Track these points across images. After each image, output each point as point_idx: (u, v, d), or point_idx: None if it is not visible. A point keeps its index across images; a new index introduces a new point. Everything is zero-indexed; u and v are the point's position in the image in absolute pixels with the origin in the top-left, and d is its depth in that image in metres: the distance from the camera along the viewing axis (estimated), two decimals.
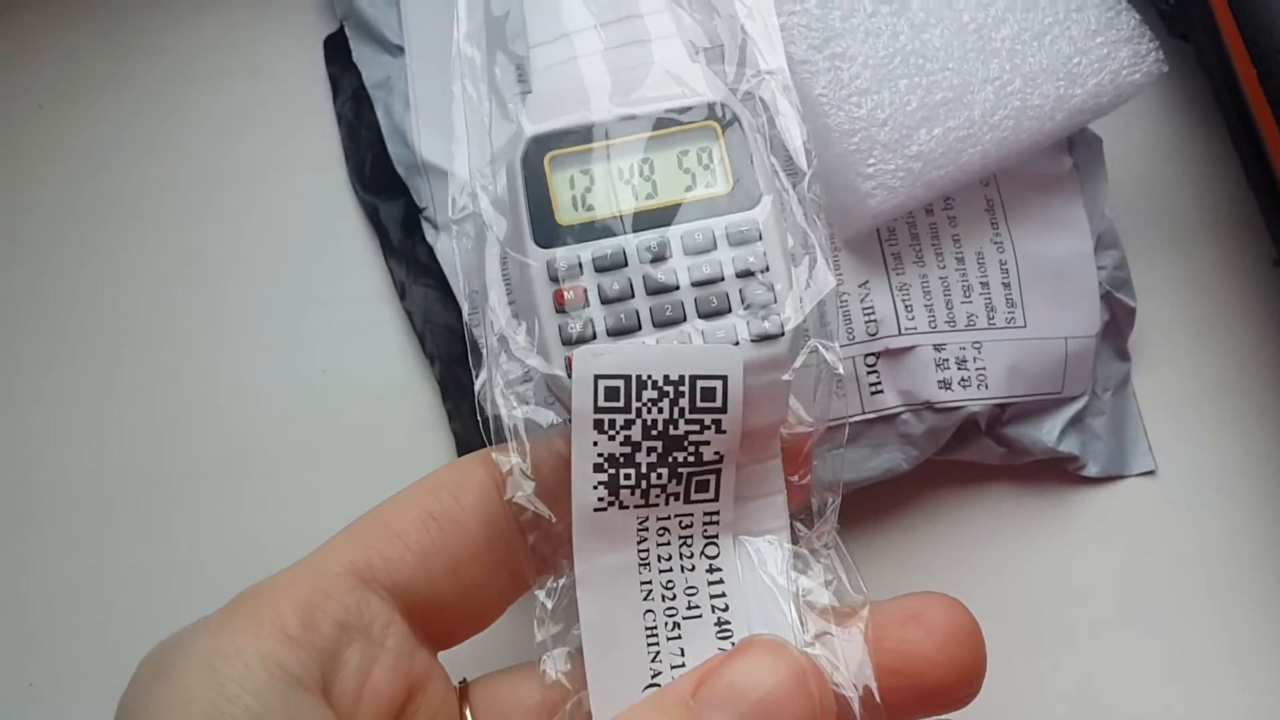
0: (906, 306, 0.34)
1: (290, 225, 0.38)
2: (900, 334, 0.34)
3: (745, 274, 0.25)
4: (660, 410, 0.24)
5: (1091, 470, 0.37)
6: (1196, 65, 0.38)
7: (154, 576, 0.36)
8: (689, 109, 0.26)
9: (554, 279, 0.26)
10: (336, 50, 0.39)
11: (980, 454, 0.36)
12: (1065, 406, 0.36)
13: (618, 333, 0.25)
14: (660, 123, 0.26)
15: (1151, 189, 0.39)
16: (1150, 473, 0.37)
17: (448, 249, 0.36)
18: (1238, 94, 0.35)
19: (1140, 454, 0.37)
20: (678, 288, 0.25)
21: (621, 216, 0.26)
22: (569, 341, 0.25)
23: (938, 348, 0.34)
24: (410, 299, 0.37)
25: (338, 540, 0.25)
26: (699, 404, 0.25)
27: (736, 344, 0.25)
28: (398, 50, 0.37)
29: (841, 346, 0.34)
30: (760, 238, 0.26)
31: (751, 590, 0.26)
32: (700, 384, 0.24)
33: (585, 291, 0.25)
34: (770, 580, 0.26)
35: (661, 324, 0.25)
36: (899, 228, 0.35)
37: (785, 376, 0.26)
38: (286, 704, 0.21)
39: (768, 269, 0.26)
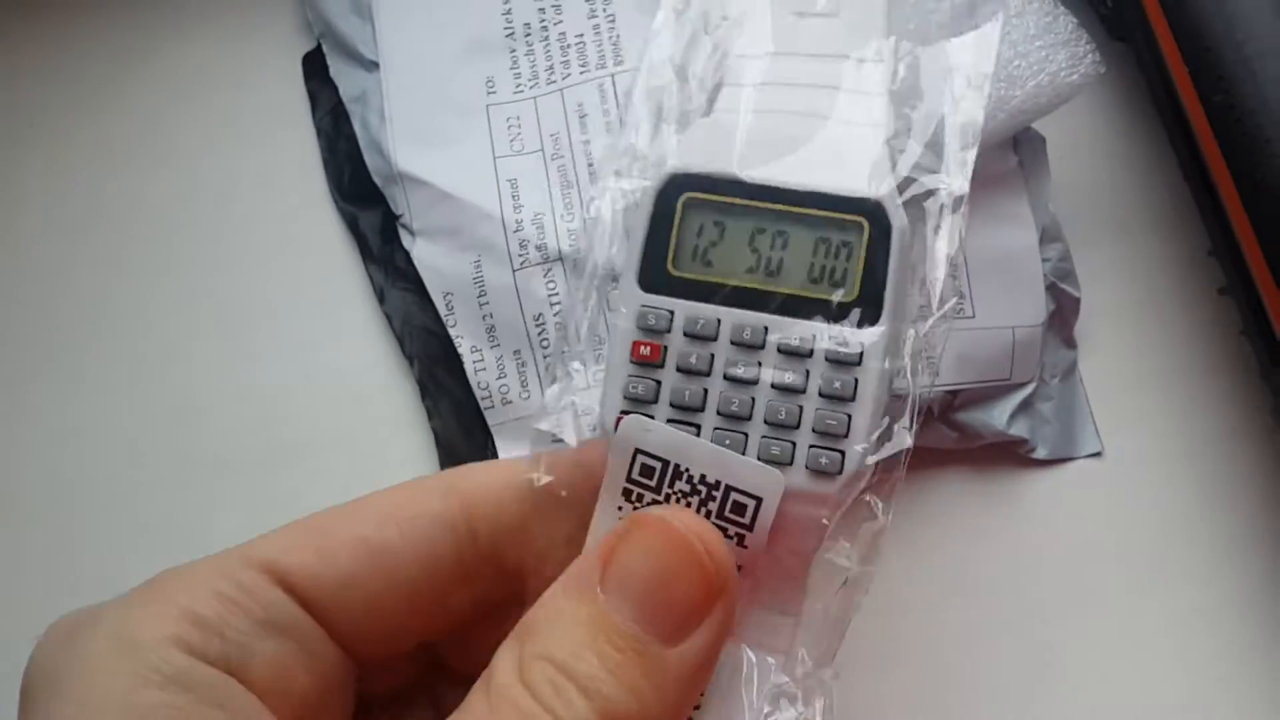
0: None
1: (273, 233, 0.40)
2: None
3: (828, 396, 0.24)
4: (688, 505, 0.24)
5: (1041, 453, 0.38)
6: (1135, 67, 0.40)
7: (141, 573, 0.37)
8: (847, 199, 0.25)
9: (640, 328, 0.25)
10: (314, 66, 0.41)
11: (934, 439, 0.37)
12: (1014, 392, 0.38)
13: (679, 406, 0.25)
14: (813, 200, 0.25)
15: (1093, 184, 0.41)
16: (1097, 454, 0.38)
17: (424, 254, 0.37)
18: (1173, 93, 0.37)
19: (1087, 437, 0.39)
20: (755, 383, 0.24)
21: (733, 287, 0.25)
22: (629, 397, 0.25)
23: None
24: (389, 303, 0.39)
25: (271, 538, 0.25)
26: (727, 514, 0.24)
27: (790, 464, 0.24)
28: (373, 66, 0.39)
29: None
30: (859, 363, 0.24)
31: (729, 698, 0.25)
32: (734, 496, 0.24)
33: (664, 352, 0.25)
34: (748, 702, 0.25)
35: (725, 414, 0.24)
36: None
37: (825, 519, 0.24)
38: (206, 676, 0.22)
39: (853, 399, 0.24)
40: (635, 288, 0.25)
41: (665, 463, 0.24)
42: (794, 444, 0.24)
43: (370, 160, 0.38)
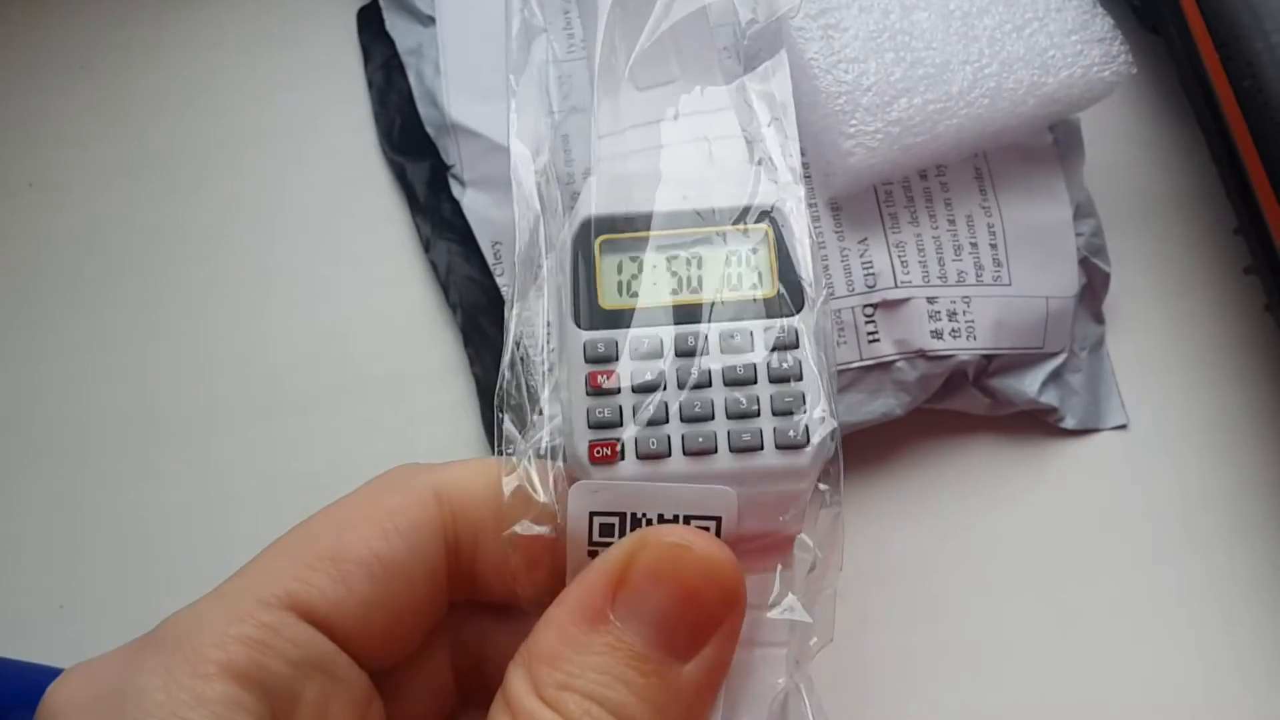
0: (902, 262, 0.37)
1: (322, 184, 0.41)
2: (896, 286, 0.37)
3: (778, 379, 0.26)
4: None
5: (1069, 423, 0.39)
6: (1165, 56, 0.41)
7: (189, 508, 0.37)
8: (744, 210, 0.27)
9: (590, 360, 0.26)
10: (369, 21, 0.42)
11: (967, 404, 0.38)
12: (1046, 361, 0.39)
13: (645, 423, 0.25)
14: (714, 219, 0.27)
15: (1125, 164, 0.42)
16: (1123, 426, 0.40)
17: (475, 204, 0.38)
18: (1203, 79, 0.38)
19: (1114, 409, 0.40)
20: (709, 385, 0.26)
21: (664, 308, 0.26)
22: (595, 425, 0.25)
23: (930, 300, 0.37)
24: (435, 252, 0.39)
25: (276, 566, 0.24)
26: None
27: (761, 448, 0.25)
28: (429, 20, 0.39)
29: (841, 297, 0.37)
30: (797, 344, 0.26)
31: (736, 696, 0.26)
32: (695, 524, 0.25)
33: (618, 377, 0.26)
34: (752, 696, 0.26)
35: (689, 419, 0.25)
36: (895, 191, 0.37)
37: (803, 485, 0.26)
38: None
39: (800, 377, 0.26)
40: (574, 328, 0.26)
41: (622, 515, 0.25)
42: (760, 429, 0.26)
43: (424, 111, 0.39)
